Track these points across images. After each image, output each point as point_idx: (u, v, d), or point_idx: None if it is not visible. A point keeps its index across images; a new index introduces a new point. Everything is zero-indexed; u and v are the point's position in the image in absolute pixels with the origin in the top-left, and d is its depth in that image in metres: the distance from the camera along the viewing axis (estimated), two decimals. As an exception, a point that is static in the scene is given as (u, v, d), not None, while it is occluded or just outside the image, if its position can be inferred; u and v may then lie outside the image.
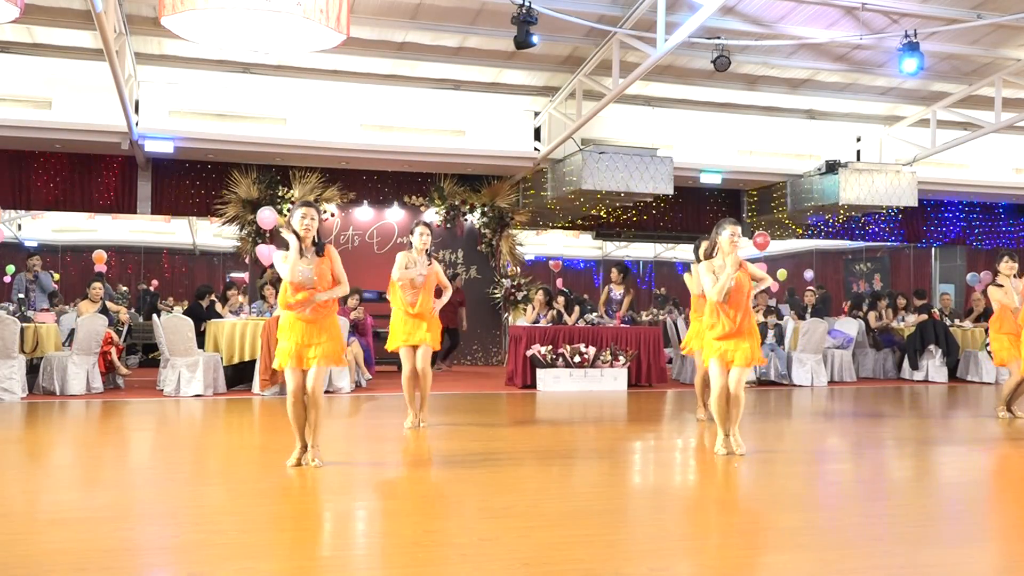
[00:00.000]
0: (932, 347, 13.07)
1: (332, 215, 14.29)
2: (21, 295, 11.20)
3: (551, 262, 19.57)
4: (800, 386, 12.02)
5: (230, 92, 12.97)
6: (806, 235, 17.12)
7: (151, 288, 16.27)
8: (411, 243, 7.41)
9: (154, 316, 10.87)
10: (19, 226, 18.96)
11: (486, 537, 4.22)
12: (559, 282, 12.22)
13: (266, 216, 12.70)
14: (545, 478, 5.85)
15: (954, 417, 9.55)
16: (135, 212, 14.19)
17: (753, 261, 7.55)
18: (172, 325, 10.18)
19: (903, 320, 13.92)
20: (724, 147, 14.92)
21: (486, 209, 15.20)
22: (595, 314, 12.02)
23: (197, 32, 6.62)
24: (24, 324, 10.06)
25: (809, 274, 18.71)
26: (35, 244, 18.02)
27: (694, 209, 16.55)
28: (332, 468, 5.80)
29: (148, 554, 4.07)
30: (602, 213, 15.82)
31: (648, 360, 11.69)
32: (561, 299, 11.95)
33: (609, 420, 8.97)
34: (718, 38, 10.86)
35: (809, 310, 13.75)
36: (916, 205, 14.87)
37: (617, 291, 12.08)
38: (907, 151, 15.31)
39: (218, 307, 11.57)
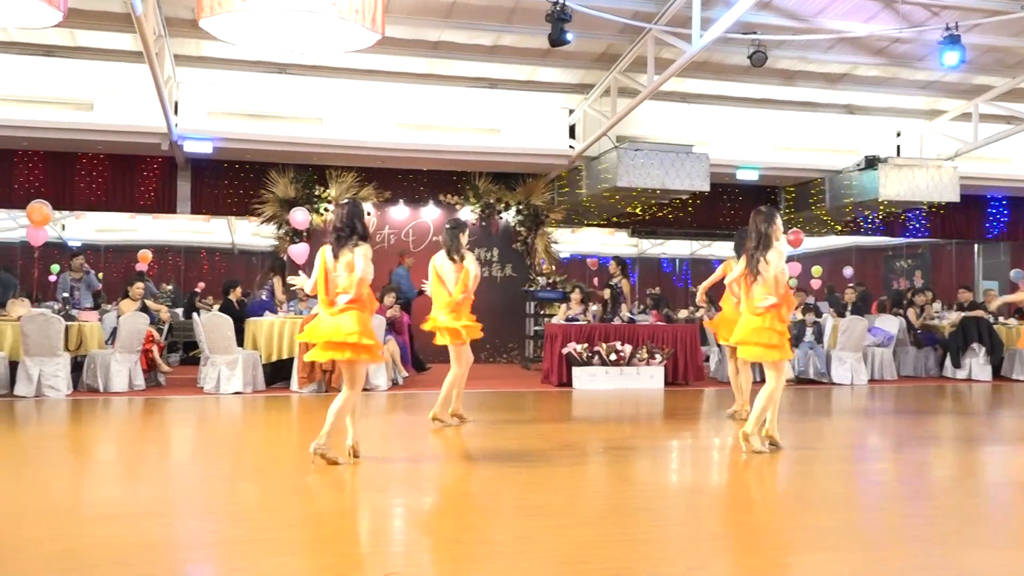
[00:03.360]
0: (975, 345, 12.88)
1: (369, 214, 14.29)
2: (66, 294, 11.32)
3: (589, 260, 19.46)
4: (839, 384, 11.83)
5: (267, 92, 13.03)
6: (845, 232, 16.87)
7: (198, 291, 16.50)
8: (457, 242, 7.58)
9: (194, 314, 11.03)
10: (63, 226, 19.15)
11: (522, 535, 4.22)
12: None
13: (299, 217, 12.79)
14: (581, 476, 5.82)
15: (998, 416, 9.40)
16: (175, 212, 14.34)
17: (787, 259, 7.43)
18: (212, 323, 10.25)
19: (943, 317, 13.66)
20: (761, 143, 14.67)
21: (521, 207, 15.11)
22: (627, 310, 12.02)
23: (234, 33, 6.67)
24: (69, 323, 10.14)
25: (848, 271, 18.40)
26: (79, 244, 18.06)
27: (730, 206, 16.33)
28: (369, 465, 5.81)
29: (189, 549, 4.11)
30: (637, 210, 15.68)
31: (685, 358, 11.59)
32: (606, 292, 12.02)
33: (645, 418, 8.93)
34: (754, 33, 10.75)
35: (849, 308, 13.50)
36: (958, 200, 14.40)
37: (615, 280, 12.25)
38: (949, 146, 15.06)
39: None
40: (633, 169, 12.76)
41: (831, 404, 10.09)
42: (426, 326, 7.58)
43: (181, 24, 11.06)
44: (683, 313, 15.27)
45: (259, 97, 13.06)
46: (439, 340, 7.48)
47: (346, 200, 6.03)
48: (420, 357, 12.34)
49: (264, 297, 11.73)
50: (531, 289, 14.37)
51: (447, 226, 7.55)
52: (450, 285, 7.42)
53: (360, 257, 5.52)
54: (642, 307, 14.76)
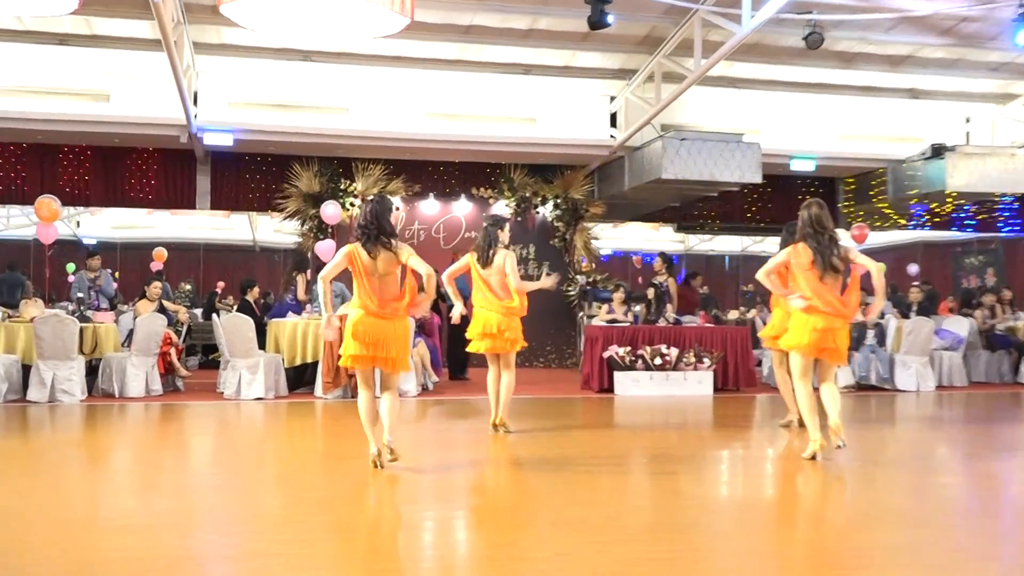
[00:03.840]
0: (1054, 349, 12.40)
1: (397, 208, 14.40)
2: (81, 295, 11.43)
3: (633, 257, 19.39)
4: (904, 391, 11.70)
5: (290, 81, 13.23)
6: (909, 226, 16.86)
7: (218, 290, 16.69)
8: (492, 239, 7.53)
9: (213, 316, 11.11)
10: (78, 223, 19.51)
11: (562, 551, 4.20)
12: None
13: (330, 211, 12.81)
14: (624, 488, 5.82)
15: (1079, 426, 9.02)
16: (194, 207, 14.47)
17: None
18: (232, 325, 10.28)
19: (1019, 318, 13.52)
20: (818, 131, 14.76)
21: (559, 201, 15.09)
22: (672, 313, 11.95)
23: (256, 19, 6.75)
24: (83, 324, 10.24)
25: (914, 268, 18.28)
26: (94, 242, 18.37)
27: (784, 199, 16.20)
28: (399, 475, 5.83)
29: (210, 563, 4.14)
30: (684, 204, 15.67)
31: (735, 362, 11.52)
32: (651, 291, 11.90)
33: (692, 426, 8.93)
34: (810, 13, 10.70)
35: (914, 308, 13.31)
36: (1033, 191, 14.09)
37: (660, 279, 12.14)
38: (1022, 132, 14.88)
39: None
40: (679, 160, 12.70)
41: (895, 412, 10.00)
42: (474, 331, 7.48)
43: (201, 10, 11.20)
44: (733, 314, 15.25)
45: (282, 86, 13.32)
46: (484, 347, 7.43)
47: (372, 197, 6.14)
48: (462, 361, 12.30)
49: (289, 299, 11.86)
50: (589, 287, 14.31)
51: (486, 223, 7.54)
52: (495, 287, 7.43)
53: (414, 256, 5.73)
54: (741, 309, 14.77)
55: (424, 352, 11.13)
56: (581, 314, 14.47)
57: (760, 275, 6.61)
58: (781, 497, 5.80)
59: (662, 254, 12.89)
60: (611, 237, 18.53)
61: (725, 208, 16.38)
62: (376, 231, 5.72)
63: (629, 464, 6.64)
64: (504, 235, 7.44)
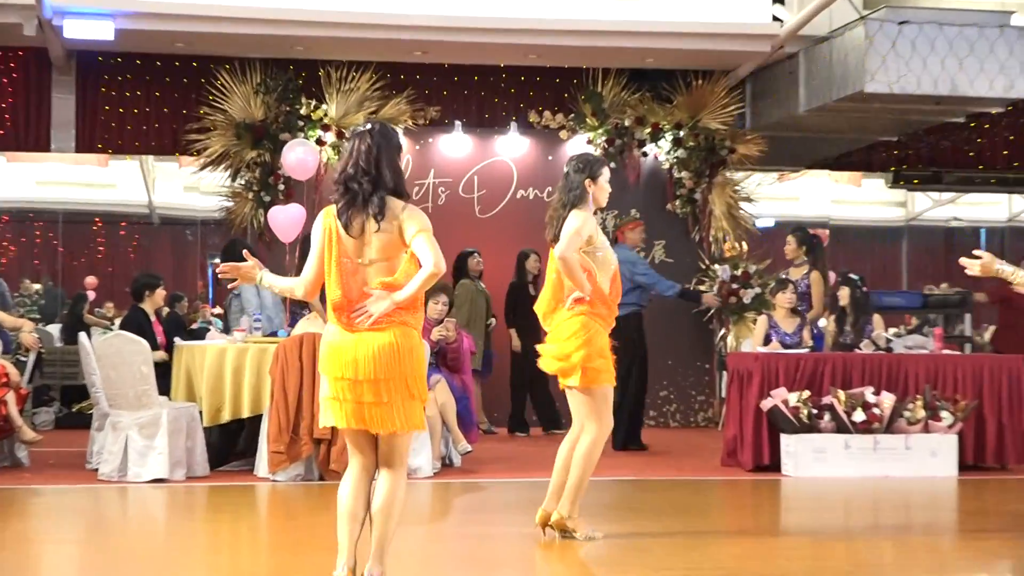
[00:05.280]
0: None
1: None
2: None
3: (818, 233, 17.95)
4: None
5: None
6: None
7: (88, 293, 15.71)
8: (573, 194, 6.96)
9: (81, 337, 10.03)
10: None
11: None
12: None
13: (300, 157, 11.85)
14: None
15: None
16: (47, 150, 13.82)
17: None
18: (113, 353, 9.49)
19: None
20: None
21: (682, 134, 13.80)
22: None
23: None
24: None
25: None
26: None
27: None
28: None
29: None
30: (905, 139, 15.04)
31: (999, 418, 10.35)
32: (845, 292, 11.16)
33: (930, 536, 8.09)
34: None
35: None
36: None
37: (797, 274, 11.64)
38: None
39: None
40: (897, 59, 11.76)
41: None
42: (551, 360, 7.17)
43: None
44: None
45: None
46: (567, 382, 7.04)
47: (367, 125, 5.23)
48: (521, 412, 12.39)
49: (212, 310, 12.13)
50: (738, 285, 13.31)
51: (569, 168, 7.07)
52: (603, 280, 6.99)
53: (423, 231, 5.06)
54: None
55: (446, 399, 10.11)
56: (722, 333, 13.78)
57: None
58: None
59: (797, 231, 12.08)
60: (773, 197, 16.88)
61: (979, 146, 15.52)
62: (372, 187, 5.13)
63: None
64: (598, 190, 6.93)
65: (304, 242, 11.38)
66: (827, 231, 18.37)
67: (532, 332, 11.87)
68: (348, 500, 5.39)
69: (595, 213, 7.35)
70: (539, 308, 7.25)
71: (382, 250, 5.23)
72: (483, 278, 12.78)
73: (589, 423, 7.10)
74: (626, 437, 11.81)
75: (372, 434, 5.42)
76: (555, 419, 12.34)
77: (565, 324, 7.05)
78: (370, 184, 5.19)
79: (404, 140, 13.45)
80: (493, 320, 12.67)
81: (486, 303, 12.63)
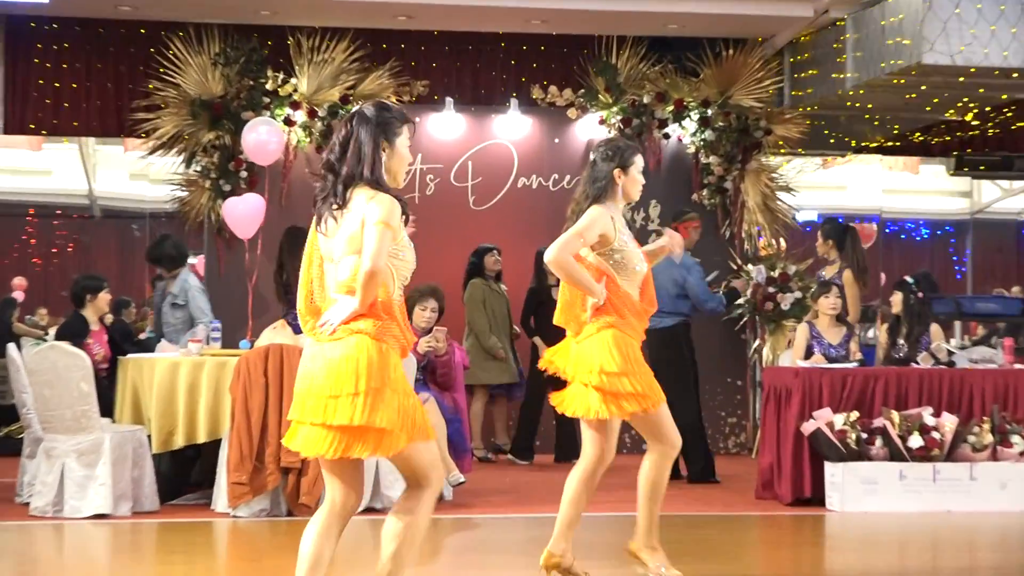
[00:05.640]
0: None
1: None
2: None
3: (863, 224, 17.65)
4: None
5: None
6: None
7: (16, 296, 15.40)
8: (598, 186, 6.74)
9: (9, 349, 10.05)
10: None
11: None
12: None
13: (261, 139, 11.50)
14: None
15: None
16: None
17: None
18: (47, 365, 9.20)
19: None
20: None
21: (710, 113, 13.39)
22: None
23: None
24: None
25: None
26: None
27: None
28: None
29: None
30: (969, 118, 14.43)
31: None
32: (898, 298, 10.91)
33: None
34: None
35: None
36: None
37: (830, 273, 11.30)
38: None
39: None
40: (961, 26, 11.45)
41: None
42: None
43: None
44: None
45: None
46: (581, 410, 6.68)
47: (365, 106, 5.05)
48: (530, 436, 12.02)
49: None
50: (775, 288, 12.87)
51: (596, 155, 6.80)
52: (626, 284, 6.74)
53: (374, 223, 4.94)
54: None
55: (436, 421, 9.73)
56: (756, 345, 13.26)
57: None
58: None
59: (825, 224, 11.75)
60: (814, 185, 16.77)
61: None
62: (335, 178, 4.98)
63: None
64: (629, 181, 6.68)
65: (266, 236, 11.20)
66: (874, 226, 17.83)
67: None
68: (313, 541, 5.03)
69: (627, 207, 7.01)
70: (559, 319, 6.89)
71: (348, 244, 5.10)
72: (501, 279, 12.35)
73: (654, 443, 6.80)
74: (702, 470, 11.31)
75: (353, 459, 5.17)
76: (576, 449, 11.34)
77: (596, 340, 6.67)
78: (333, 176, 5.08)
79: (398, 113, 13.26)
80: (517, 329, 12.22)
81: (507, 308, 12.22)
